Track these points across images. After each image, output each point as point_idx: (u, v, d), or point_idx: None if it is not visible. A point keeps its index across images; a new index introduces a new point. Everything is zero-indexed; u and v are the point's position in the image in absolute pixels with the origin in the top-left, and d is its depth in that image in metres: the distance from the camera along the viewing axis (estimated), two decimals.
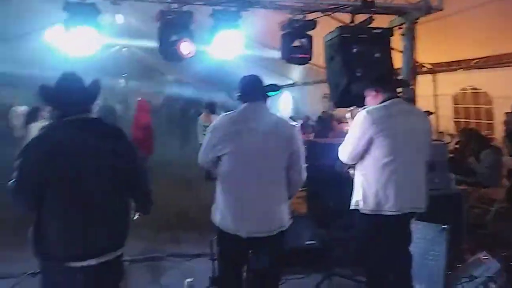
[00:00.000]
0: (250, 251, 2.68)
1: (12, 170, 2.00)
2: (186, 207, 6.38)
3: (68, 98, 2.06)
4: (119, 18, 8.65)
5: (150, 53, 11.50)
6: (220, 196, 2.59)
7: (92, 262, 2.00)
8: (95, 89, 2.20)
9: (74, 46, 3.42)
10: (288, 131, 2.55)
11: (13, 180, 1.97)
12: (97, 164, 2.02)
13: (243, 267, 2.83)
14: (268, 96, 2.64)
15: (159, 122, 14.11)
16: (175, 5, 3.62)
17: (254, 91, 2.60)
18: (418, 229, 3.26)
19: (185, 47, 3.74)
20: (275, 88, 2.66)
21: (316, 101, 10.15)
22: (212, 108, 7.70)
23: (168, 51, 3.77)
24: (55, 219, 1.99)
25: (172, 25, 3.66)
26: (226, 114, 2.61)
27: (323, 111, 9.31)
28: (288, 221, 2.61)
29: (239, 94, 2.63)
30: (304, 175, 2.65)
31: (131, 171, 2.15)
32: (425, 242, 3.33)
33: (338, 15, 4.24)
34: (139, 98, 8.92)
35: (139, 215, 2.41)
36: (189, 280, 3.50)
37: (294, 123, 2.63)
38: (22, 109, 12.17)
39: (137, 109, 8.41)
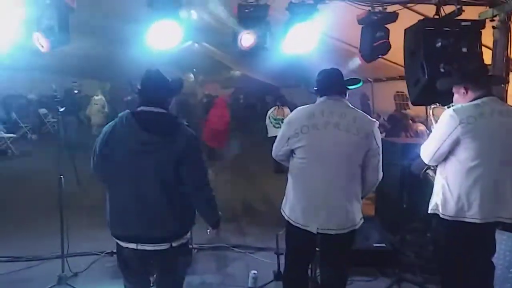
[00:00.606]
0: (317, 249, 2.65)
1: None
2: (251, 200, 6.49)
3: (146, 92, 2.25)
4: (194, 14, 8.94)
5: (220, 48, 11.75)
6: (292, 189, 2.58)
7: (145, 247, 2.17)
8: (176, 86, 2.34)
9: (157, 40, 3.56)
10: (367, 127, 2.46)
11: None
12: (141, 153, 2.13)
13: (309, 264, 2.81)
14: (348, 90, 2.57)
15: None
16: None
17: (333, 84, 2.54)
18: (503, 239, 3.01)
19: (246, 40, 3.75)
20: (356, 81, 2.57)
21: (387, 98, 9.74)
22: (283, 101, 7.82)
23: (240, 47, 3.79)
24: (111, 201, 2.24)
25: (249, 19, 3.68)
26: (303, 108, 2.57)
27: (395, 110, 8.90)
28: (359, 221, 2.54)
29: (317, 87, 2.58)
30: (380, 174, 2.56)
31: (186, 166, 2.18)
32: (511, 254, 3.06)
33: (421, 8, 3.99)
34: (217, 95, 9.97)
35: (209, 230, 2.47)
36: (254, 272, 3.55)
37: (373, 119, 2.53)
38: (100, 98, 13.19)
39: (216, 106, 9.20)
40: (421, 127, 5.89)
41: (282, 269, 3.14)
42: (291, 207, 2.56)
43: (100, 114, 12.73)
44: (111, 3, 5.26)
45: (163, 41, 3.61)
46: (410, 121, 6.26)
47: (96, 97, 12.98)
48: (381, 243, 3.88)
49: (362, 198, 2.59)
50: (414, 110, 7.07)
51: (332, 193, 2.45)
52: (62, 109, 3.84)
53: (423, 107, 5.31)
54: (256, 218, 5.55)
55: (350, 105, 2.56)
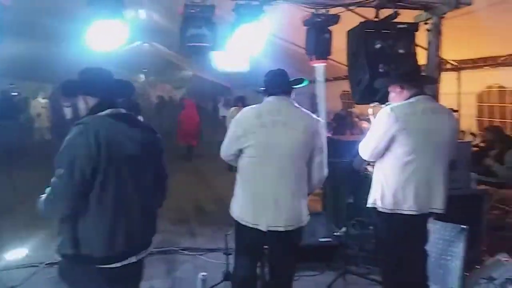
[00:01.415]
0: (265, 246, 2.70)
1: None
2: (203, 200, 6.45)
3: (108, 89, 2.05)
4: (142, 13, 8.75)
5: (171, 48, 11.59)
6: (240, 188, 2.61)
7: (132, 260, 2.01)
8: (127, 87, 2.21)
9: (100, 41, 3.44)
10: (312, 126, 2.54)
11: None
12: (140, 157, 2.01)
13: (258, 262, 2.85)
14: (293, 90, 2.64)
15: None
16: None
17: (279, 84, 2.60)
18: (436, 228, 3.22)
19: None
20: (300, 80, 2.64)
21: (335, 98, 10.06)
22: (243, 101, 7.94)
23: (186, 45, 3.77)
24: (104, 217, 1.93)
25: (194, 19, 3.66)
26: (251, 107, 2.61)
27: (342, 108, 9.23)
28: (307, 217, 2.61)
29: (264, 87, 2.63)
30: (325, 171, 2.65)
31: (161, 164, 2.19)
32: (443, 242, 3.28)
33: (362, 10, 4.17)
34: (185, 99, 11.30)
35: None
36: (202, 274, 3.52)
37: (318, 118, 2.61)
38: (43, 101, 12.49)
39: (186, 108, 10.26)
40: (365, 125, 6.15)
41: (231, 269, 3.15)
42: (240, 206, 2.59)
43: (45, 117, 12.16)
44: (47, 1, 5.03)
45: (106, 41, 3.50)
46: (355, 119, 6.51)
47: (41, 100, 12.35)
48: (327, 238, 4.00)
49: (308, 194, 2.66)
50: (359, 108, 7.37)
51: (280, 190, 2.50)
52: None
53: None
54: (207, 218, 5.52)
55: (296, 104, 2.62)
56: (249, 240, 2.64)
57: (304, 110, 2.62)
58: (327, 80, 9.86)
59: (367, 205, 2.86)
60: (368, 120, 6.24)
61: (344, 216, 4.22)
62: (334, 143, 5.32)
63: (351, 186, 4.06)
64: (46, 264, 3.82)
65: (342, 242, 3.91)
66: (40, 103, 12.41)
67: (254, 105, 2.62)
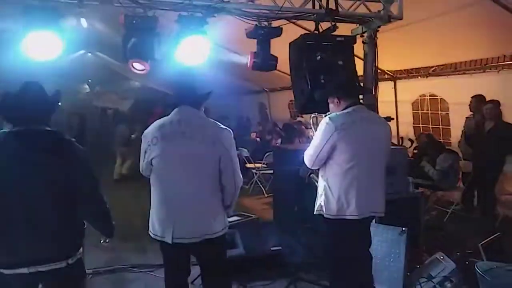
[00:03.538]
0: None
1: None
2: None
3: (23, 110, 2.02)
4: (84, 22, 8.43)
5: (116, 58, 11.26)
6: (152, 201, 2.58)
7: (23, 270, 1.98)
8: (55, 100, 2.16)
9: (35, 51, 3.32)
10: (216, 134, 2.50)
11: None
12: (32, 177, 1.97)
13: (184, 276, 2.75)
14: (202, 101, 2.61)
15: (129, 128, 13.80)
16: (141, 10, 3.58)
17: (183, 95, 2.58)
18: (378, 231, 3.38)
19: (138, 66, 3.79)
20: (208, 95, 2.63)
21: (282, 107, 10.28)
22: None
23: (128, 56, 3.71)
24: None
25: (137, 29, 3.61)
26: (158, 120, 2.58)
27: (290, 117, 9.44)
28: (220, 230, 2.53)
29: (171, 98, 2.63)
30: (238, 180, 2.58)
31: (78, 184, 2.08)
32: (385, 244, 3.44)
33: (303, 22, 4.32)
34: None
35: (106, 240, 2.36)
36: None
37: (224, 127, 2.57)
38: None
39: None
40: (312, 133, 6.32)
41: None
42: (151, 219, 2.56)
43: None
44: None
45: (43, 51, 3.37)
46: (303, 127, 6.68)
47: None
48: (278, 246, 4.05)
49: (229, 205, 2.62)
50: (307, 118, 7.58)
51: (184, 203, 2.45)
52: None
53: None
54: None
55: (202, 115, 2.59)
56: (164, 254, 2.63)
57: (211, 120, 2.58)
58: (274, 90, 10.08)
59: (314, 212, 2.94)
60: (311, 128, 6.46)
61: (293, 223, 4.30)
62: (281, 152, 5.44)
63: (298, 194, 4.14)
64: None
65: (292, 250, 3.97)
66: None
67: (162, 118, 2.59)
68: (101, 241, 2.38)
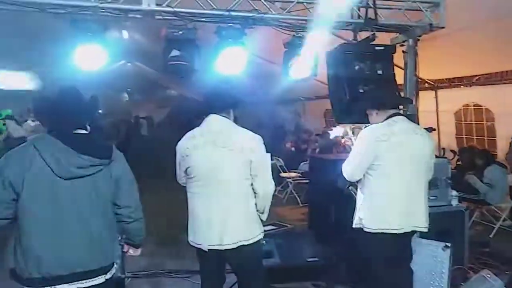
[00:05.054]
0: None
1: None
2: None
3: (60, 114, 2.04)
4: (125, 34, 8.79)
5: (154, 67, 11.61)
6: (189, 209, 2.63)
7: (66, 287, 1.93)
8: (92, 105, 2.19)
9: (84, 62, 3.51)
10: (244, 141, 2.53)
11: None
12: (71, 181, 1.96)
13: (220, 283, 2.79)
14: (233, 108, 2.64)
15: (162, 136, 14.14)
16: (181, 22, 3.68)
17: (213, 104, 2.61)
18: (420, 246, 3.25)
19: None
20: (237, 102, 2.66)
21: (317, 116, 10.21)
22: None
23: (170, 66, 3.81)
24: (29, 240, 1.93)
25: (177, 41, 3.71)
26: (189, 132, 2.62)
27: (325, 126, 9.35)
28: (255, 236, 2.55)
29: (202, 108, 2.66)
30: (270, 186, 2.60)
31: (115, 190, 2.08)
32: (428, 260, 3.31)
33: (341, 32, 4.29)
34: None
35: (131, 250, 2.38)
36: None
37: (254, 135, 2.59)
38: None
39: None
40: (349, 143, 6.23)
41: None
42: (189, 227, 2.62)
43: None
44: (32, 24, 5.05)
45: (88, 62, 3.55)
46: (339, 138, 6.60)
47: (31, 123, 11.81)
48: (314, 257, 3.99)
49: (262, 212, 2.63)
50: (343, 127, 7.48)
51: (217, 209, 2.49)
52: None
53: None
54: None
55: (231, 123, 2.61)
56: (200, 261, 2.68)
57: (240, 128, 2.61)
58: (310, 99, 10.03)
59: (353, 226, 2.88)
60: (350, 139, 6.38)
61: (330, 235, 4.23)
62: (318, 161, 5.38)
63: (336, 205, 4.08)
64: None
65: (329, 262, 3.90)
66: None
67: (193, 129, 2.63)
68: (126, 252, 2.41)
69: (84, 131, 2.10)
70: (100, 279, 2.03)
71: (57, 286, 1.92)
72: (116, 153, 2.12)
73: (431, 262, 3.29)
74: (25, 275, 1.92)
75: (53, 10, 3.43)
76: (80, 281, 1.97)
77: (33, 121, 10.69)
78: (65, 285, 1.93)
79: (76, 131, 2.06)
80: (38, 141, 2.00)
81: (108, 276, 2.07)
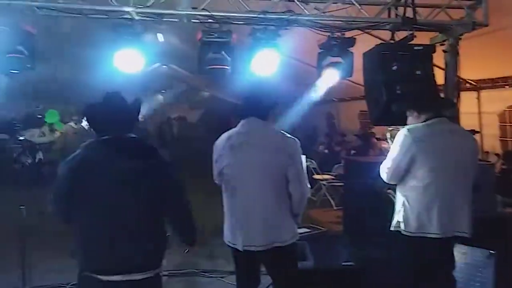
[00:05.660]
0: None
1: None
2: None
3: (108, 119, 2.12)
4: (160, 37, 8.99)
5: (188, 69, 11.80)
6: (225, 209, 2.67)
7: (116, 278, 1.99)
8: (136, 108, 2.24)
9: (124, 65, 3.64)
10: (279, 143, 2.56)
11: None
12: (122, 183, 2.02)
13: (255, 285, 2.79)
14: (270, 112, 2.65)
15: (197, 136, 14.38)
16: (216, 25, 3.72)
17: (249, 108, 2.64)
18: (463, 253, 3.12)
19: None
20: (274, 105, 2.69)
21: (352, 117, 10.03)
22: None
23: (205, 68, 3.86)
24: (81, 234, 2.06)
25: (212, 43, 3.75)
26: (226, 132, 2.67)
27: (361, 128, 9.17)
28: (289, 238, 2.56)
29: (238, 111, 2.69)
30: (305, 188, 2.60)
31: (163, 191, 2.12)
32: (471, 267, 3.17)
33: (378, 32, 4.20)
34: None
35: (186, 250, 2.42)
36: None
37: (291, 137, 2.60)
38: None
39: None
40: (385, 145, 6.09)
41: None
42: (225, 227, 2.66)
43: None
44: (70, 29, 5.26)
45: (126, 66, 3.67)
46: (375, 140, 6.46)
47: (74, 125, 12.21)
48: (349, 261, 3.91)
49: (297, 215, 2.64)
50: (379, 129, 7.31)
51: (252, 208, 2.52)
52: (22, 138, 3.74)
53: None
54: None
55: (267, 125, 2.63)
56: (236, 261, 2.70)
57: (276, 129, 2.64)
58: (343, 100, 9.88)
59: (391, 228, 2.81)
60: (387, 141, 6.22)
61: (365, 239, 4.13)
62: (354, 163, 5.27)
63: (372, 209, 3.98)
64: (72, 285, 3.83)
65: (365, 266, 3.81)
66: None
67: (230, 130, 2.68)
68: (184, 251, 2.46)
69: (133, 135, 2.17)
70: (150, 274, 2.07)
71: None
72: (161, 157, 2.18)
73: (474, 270, 3.15)
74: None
75: (93, 16, 3.56)
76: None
77: (75, 123, 11.15)
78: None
79: (126, 135, 2.13)
80: (91, 147, 2.09)
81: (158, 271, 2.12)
